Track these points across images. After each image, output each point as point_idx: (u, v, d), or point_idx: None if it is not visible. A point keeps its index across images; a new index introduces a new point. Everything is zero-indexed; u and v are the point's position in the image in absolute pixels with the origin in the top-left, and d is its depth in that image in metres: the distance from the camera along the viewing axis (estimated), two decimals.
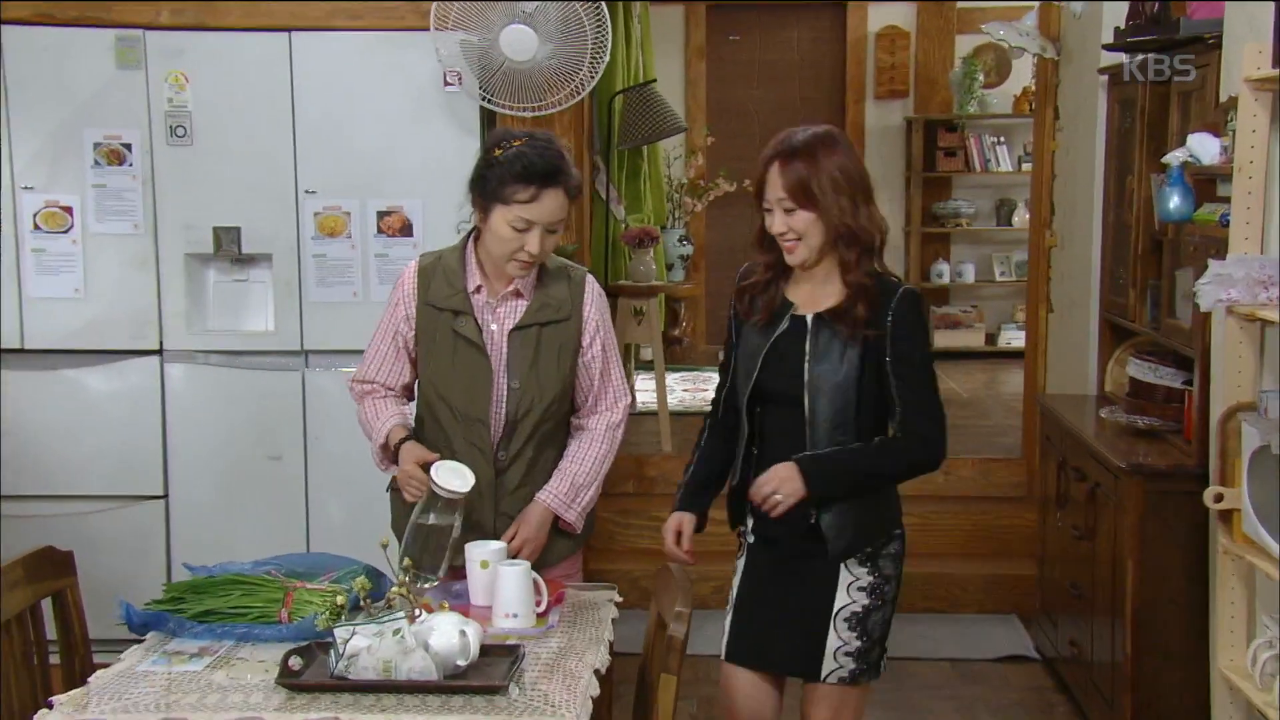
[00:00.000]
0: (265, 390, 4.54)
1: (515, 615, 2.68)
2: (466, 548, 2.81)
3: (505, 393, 2.98)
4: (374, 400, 3.11)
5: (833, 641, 2.80)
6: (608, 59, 4.16)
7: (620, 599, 2.95)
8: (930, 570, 5.38)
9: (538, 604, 2.71)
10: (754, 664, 2.89)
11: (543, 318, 3.00)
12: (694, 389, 8.15)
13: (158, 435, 4.55)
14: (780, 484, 2.74)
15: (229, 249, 4.46)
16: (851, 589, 2.82)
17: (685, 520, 2.96)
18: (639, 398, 6.94)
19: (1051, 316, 5.43)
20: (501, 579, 2.69)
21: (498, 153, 2.90)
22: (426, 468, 2.82)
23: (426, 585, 2.71)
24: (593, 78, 4.19)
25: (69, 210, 4.45)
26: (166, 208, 4.47)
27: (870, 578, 2.83)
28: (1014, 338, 9.36)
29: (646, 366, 7.40)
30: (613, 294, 5.99)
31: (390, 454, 3.04)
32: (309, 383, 4.54)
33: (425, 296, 3.01)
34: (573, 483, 3.04)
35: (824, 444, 2.76)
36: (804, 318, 2.80)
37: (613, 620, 2.82)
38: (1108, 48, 4.20)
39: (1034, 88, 9.02)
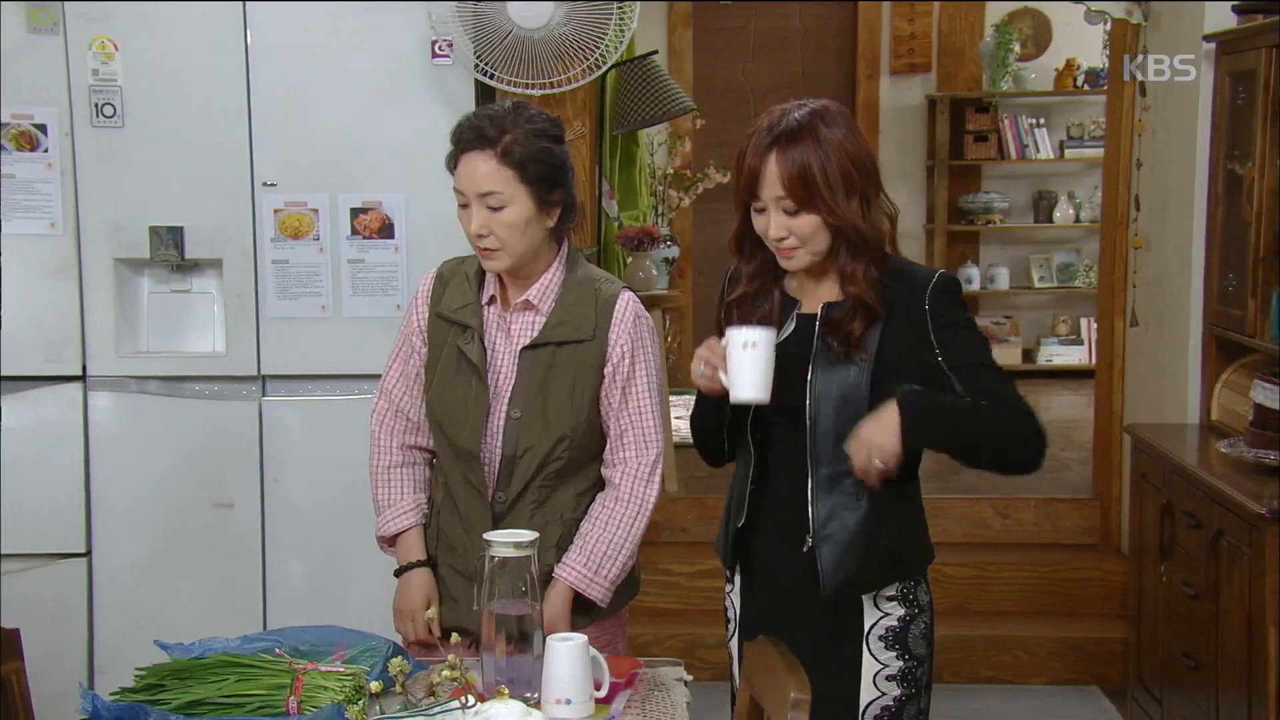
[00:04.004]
0: (213, 424, 4.48)
1: (569, 701, 2.59)
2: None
3: (503, 423, 2.97)
4: (393, 470, 3.13)
5: None
6: (635, 24, 4.11)
7: (689, 677, 2.87)
8: (990, 632, 5.40)
9: (597, 686, 2.63)
10: None
11: (559, 336, 2.97)
12: (687, 416, 8.07)
13: (79, 479, 4.49)
14: (870, 445, 2.55)
15: (168, 253, 4.41)
16: (880, 679, 2.75)
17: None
18: None
19: (1132, 331, 5.42)
20: (551, 656, 2.62)
21: None
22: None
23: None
24: (618, 46, 4.15)
25: None
26: (91, 203, 4.42)
27: (900, 663, 2.75)
28: (1056, 354, 9.44)
29: None
30: None
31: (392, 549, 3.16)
32: (267, 415, 4.48)
33: (437, 306, 3.05)
34: (592, 553, 3.01)
35: (826, 465, 2.67)
36: (812, 315, 2.71)
37: (687, 705, 2.74)
38: (1238, 9, 4.21)
39: (1082, 61, 9.32)
